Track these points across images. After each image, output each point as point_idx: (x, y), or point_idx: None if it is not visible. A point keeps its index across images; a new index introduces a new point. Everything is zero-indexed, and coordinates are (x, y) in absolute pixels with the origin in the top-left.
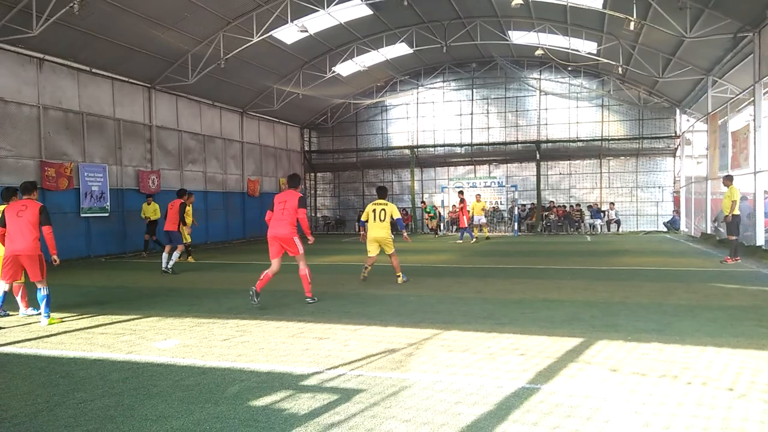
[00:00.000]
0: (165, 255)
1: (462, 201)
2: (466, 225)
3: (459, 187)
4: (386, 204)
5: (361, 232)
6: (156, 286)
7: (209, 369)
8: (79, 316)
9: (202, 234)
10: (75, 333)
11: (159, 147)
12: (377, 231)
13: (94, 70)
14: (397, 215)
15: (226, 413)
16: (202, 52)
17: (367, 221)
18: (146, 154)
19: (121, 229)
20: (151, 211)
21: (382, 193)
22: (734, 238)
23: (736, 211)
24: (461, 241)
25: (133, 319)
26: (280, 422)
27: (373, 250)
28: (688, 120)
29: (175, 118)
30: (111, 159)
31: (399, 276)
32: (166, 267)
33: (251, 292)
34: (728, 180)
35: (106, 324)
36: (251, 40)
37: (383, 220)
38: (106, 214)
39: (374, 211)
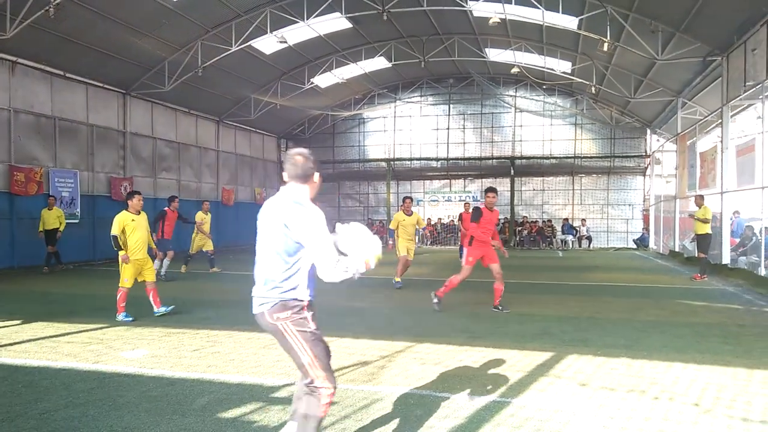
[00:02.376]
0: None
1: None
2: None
3: (434, 201)
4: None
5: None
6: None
7: (178, 380)
8: (46, 324)
9: (175, 243)
10: (40, 341)
11: (132, 154)
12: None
13: (68, 75)
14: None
15: (194, 425)
16: (179, 59)
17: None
18: (119, 161)
19: (91, 236)
20: (54, 218)
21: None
22: (704, 256)
23: (708, 230)
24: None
25: (101, 328)
26: None
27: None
28: (658, 140)
29: (149, 125)
30: (83, 165)
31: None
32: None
33: (435, 300)
34: (700, 199)
35: (72, 332)
36: (230, 50)
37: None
38: (77, 221)
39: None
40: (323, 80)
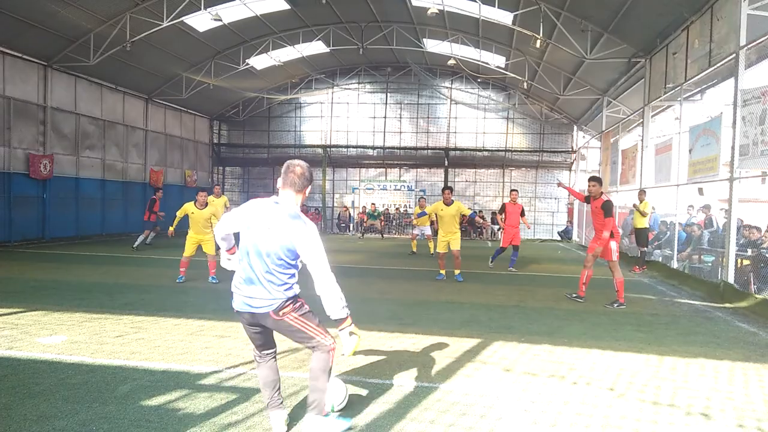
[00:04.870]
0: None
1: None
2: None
3: (370, 189)
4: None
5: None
6: (44, 278)
7: (99, 367)
8: None
9: (98, 225)
10: None
11: (53, 130)
12: None
13: None
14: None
15: (115, 413)
16: (106, 32)
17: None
18: (38, 137)
19: (6, 216)
20: None
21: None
22: (644, 249)
23: (646, 224)
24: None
25: (16, 313)
26: (174, 422)
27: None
28: (583, 136)
29: (72, 100)
30: None
31: None
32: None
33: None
34: (642, 194)
35: None
36: (161, 25)
37: None
38: None
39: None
40: (259, 62)
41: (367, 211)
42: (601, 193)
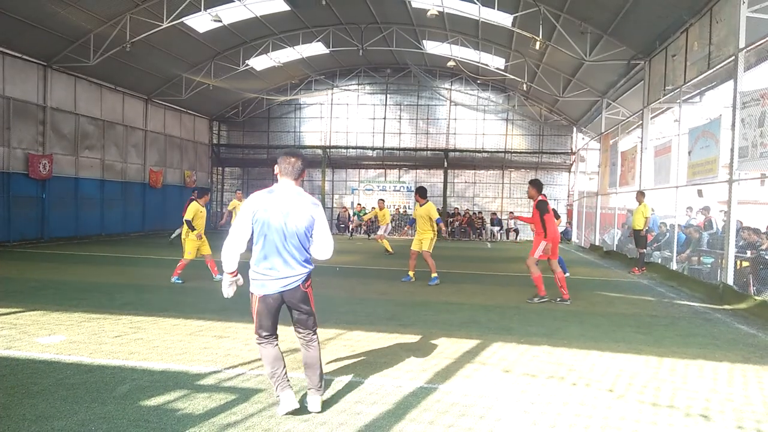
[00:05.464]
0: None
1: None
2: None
3: (369, 190)
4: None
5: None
6: (42, 278)
7: (97, 367)
8: None
9: (97, 225)
10: None
11: (53, 130)
12: None
13: None
14: None
15: (114, 413)
16: (106, 33)
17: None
18: (38, 137)
19: (5, 216)
20: None
21: None
22: (642, 250)
23: (646, 226)
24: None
25: (15, 313)
26: (173, 423)
27: None
28: (583, 138)
29: (72, 101)
30: None
31: None
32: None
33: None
34: (641, 196)
35: None
36: (161, 25)
37: None
38: None
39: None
40: (259, 63)
41: (354, 212)
42: (538, 194)
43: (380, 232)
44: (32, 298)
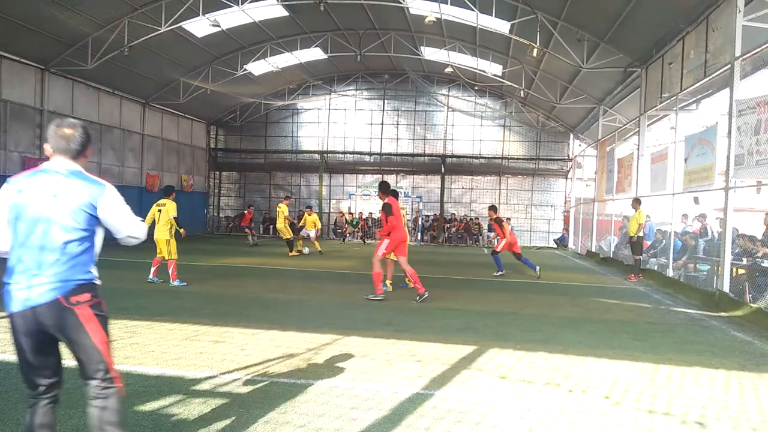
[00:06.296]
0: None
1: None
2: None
3: (366, 195)
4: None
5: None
6: None
7: None
8: None
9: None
10: None
11: None
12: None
13: None
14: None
15: None
16: (104, 37)
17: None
18: (35, 140)
19: None
20: None
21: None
22: (638, 257)
23: (641, 233)
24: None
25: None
26: (168, 428)
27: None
28: (580, 145)
29: (70, 104)
30: None
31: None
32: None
33: None
34: (636, 203)
35: None
36: (159, 30)
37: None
38: None
39: (159, 211)
40: (257, 68)
41: (346, 220)
42: (386, 197)
43: (306, 233)
44: None
